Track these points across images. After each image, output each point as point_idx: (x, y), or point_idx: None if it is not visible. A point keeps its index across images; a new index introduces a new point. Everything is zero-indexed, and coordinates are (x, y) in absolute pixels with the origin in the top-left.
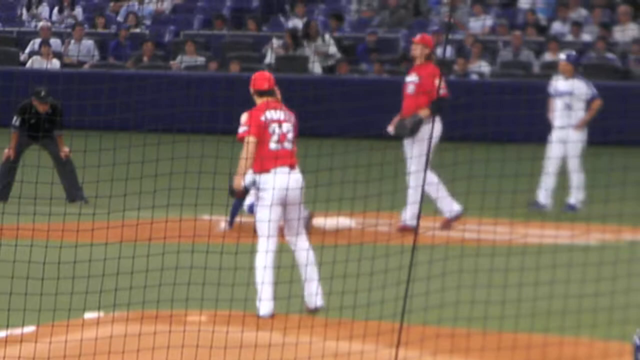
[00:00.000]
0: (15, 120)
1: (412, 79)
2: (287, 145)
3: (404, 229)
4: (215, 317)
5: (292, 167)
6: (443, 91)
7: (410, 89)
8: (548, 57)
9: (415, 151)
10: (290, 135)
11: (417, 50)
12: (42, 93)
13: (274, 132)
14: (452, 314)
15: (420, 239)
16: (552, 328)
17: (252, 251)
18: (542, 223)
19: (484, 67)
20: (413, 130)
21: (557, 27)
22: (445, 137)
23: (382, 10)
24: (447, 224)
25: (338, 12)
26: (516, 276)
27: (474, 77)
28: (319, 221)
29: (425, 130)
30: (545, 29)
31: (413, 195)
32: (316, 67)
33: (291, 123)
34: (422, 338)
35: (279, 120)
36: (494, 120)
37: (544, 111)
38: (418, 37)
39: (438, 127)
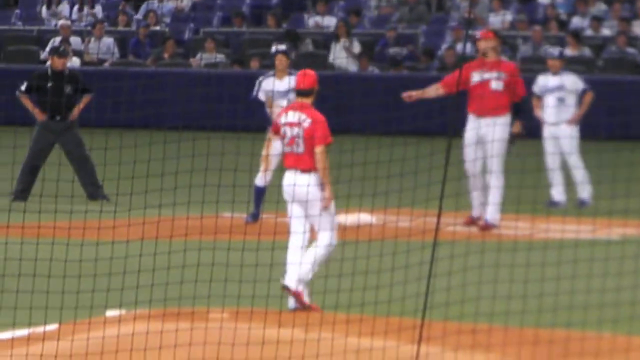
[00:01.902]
0: (22, 85)
1: (495, 75)
2: (296, 148)
3: (486, 227)
4: (237, 314)
5: (301, 170)
6: (522, 90)
7: (497, 86)
8: (568, 52)
9: (495, 150)
10: (298, 140)
11: (484, 45)
12: (61, 48)
13: (285, 134)
14: (473, 309)
15: (441, 234)
16: (574, 323)
17: (274, 248)
18: (563, 218)
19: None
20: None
21: (576, 21)
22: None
23: (402, 7)
24: (485, 227)
25: (358, 9)
26: (537, 271)
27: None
28: (339, 217)
29: (505, 129)
30: (565, 24)
31: (496, 196)
32: (343, 64)
33: (303, 127)
34: (444, 334)
35: (291, 123)
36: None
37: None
38: (483, 31)
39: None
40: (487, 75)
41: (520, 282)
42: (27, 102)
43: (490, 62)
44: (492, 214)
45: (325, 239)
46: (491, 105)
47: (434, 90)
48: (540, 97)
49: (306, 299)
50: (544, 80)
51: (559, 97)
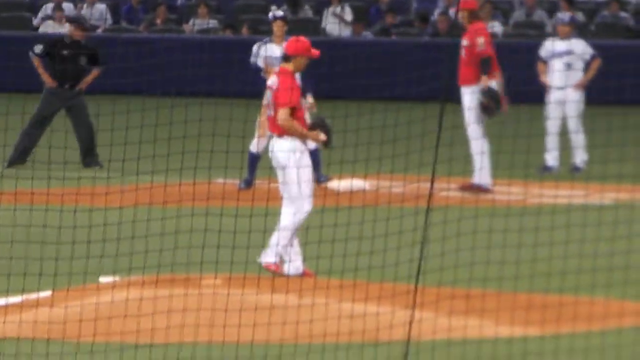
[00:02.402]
0: (37, 48)
1: (463, 43)
2: (271, 112)
3: (476, 189)
4: (230, 280)
5: (276, 135)
6: (480, 48)
7: (462, 53)
8: (560, 15)
9: (472, 118)
10: (271, 104)
11: (461, 17)
12: (82, 19)
13: (267, 98)
14: (467, 275)
15: (434, 200)
16: (567, 288)
17: (267, 214)
18: (556, 183)
19: (496, 27)
20: (493, 106)
21: None
22: (459, 98)
23: None
24: (469, 188)
25: None
26: (531, 236)
27: None
28: (333, 183)
29: (471, 98)
30: None
31: (479, 162)
32: (333, 30)
33: (273, 91)
34: (438, 299)
35: (269, 87)
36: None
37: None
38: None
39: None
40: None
41: (514, 248)
42: (39, 66)
43: (466, 32)
44: (478, 179)
45: (286, 206)
46: (460, 75)
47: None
48: (546, 62)
49: (298, 265)
50: (551, 45)
51: (567, 62)
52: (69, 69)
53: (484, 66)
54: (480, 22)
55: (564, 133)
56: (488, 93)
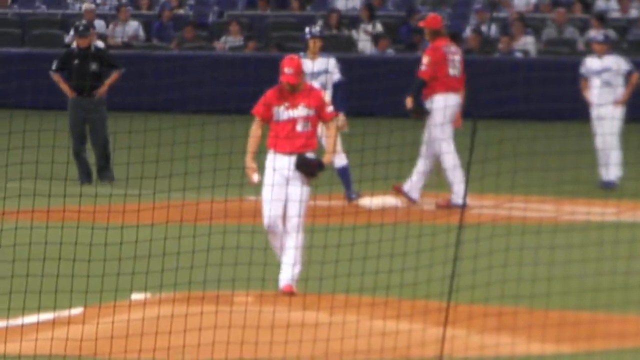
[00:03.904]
0: (53, 64)
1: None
2: None
3: (448, 206)
4: (262, 297)
5: None
6: (421, 68)
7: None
8: (592, 34)
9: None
10: None
11: (426, 33)
12: (81, 27)
13: None
14: (499, 292)
15: (466, 217)
16: (600, 305)
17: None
18: (588, 200)
19: (530, 44)
20: (422, 112)
21: (601, 4)
22: (491, 115)
23: None
24: (448, 206)
25: None
26: (563, 253)
27: (518, 54)
28: (364, 200)
29: (438, 112)
30: (590, 6)
31: (452, 176)
32: (365, 47)
33: None
34: (470, 317)
35: None
36: (540, 98)
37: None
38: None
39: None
40: None
41: (546, 265)
42: (59, 80)
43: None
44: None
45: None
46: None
47: None
48: (587, 79)
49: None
50: (590, 63)
51: (605, 79)
52: (82, 77)
53: (412, 86)
54: (443, 40)
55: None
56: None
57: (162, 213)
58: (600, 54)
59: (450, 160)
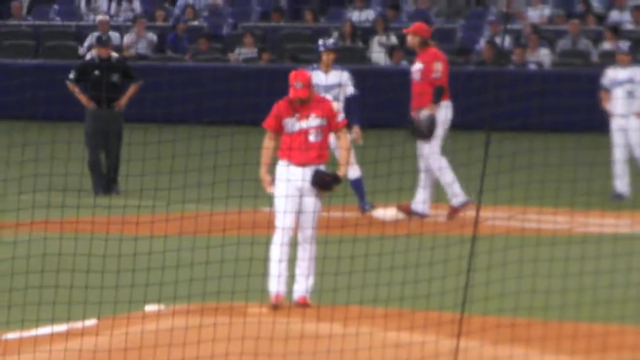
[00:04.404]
0: (71, 74)
1: (416, 67)
2: None
3: (413, 213)
4: (276, 309)
5: None
6: (436, 75)
7: (415, 76)
8: (606, 45)
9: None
10: None
11: (410, 40)
12: (103, 37)
13: None
14: (512, 303)
15: (479, 228)
16: (613, 317)
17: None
18: (602, 212)
19: (544, 55)
20: (431, 131)
21: (614, 15)
22: (505, 126)
23: (440, 1)
24: (453, 213)
25: (395, 3)
26: (577, 265)
27: (532, 66)
28: (378, 212)
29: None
30: (603, 18)
31: (424, 180)
32: (379, 59)
33: None
34: (483, 328)
35: None
36: (554, 110)
37: (598, 101)
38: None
39: (447, 112)
40: (413, 68)
41: (559, 276)
42: (76, 90)
43: (419, 55)
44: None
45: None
46: (415, 99)
47: None
48: (608, 90)
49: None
50: (613, 74)
51: (628, 90)
52: (102, 87)
53: (435, 95)
54: (433, 47)
55: (631, 160)
56: (429, 119)
57: (176, 224)
58: (625, 64)
59: (436, 168)
